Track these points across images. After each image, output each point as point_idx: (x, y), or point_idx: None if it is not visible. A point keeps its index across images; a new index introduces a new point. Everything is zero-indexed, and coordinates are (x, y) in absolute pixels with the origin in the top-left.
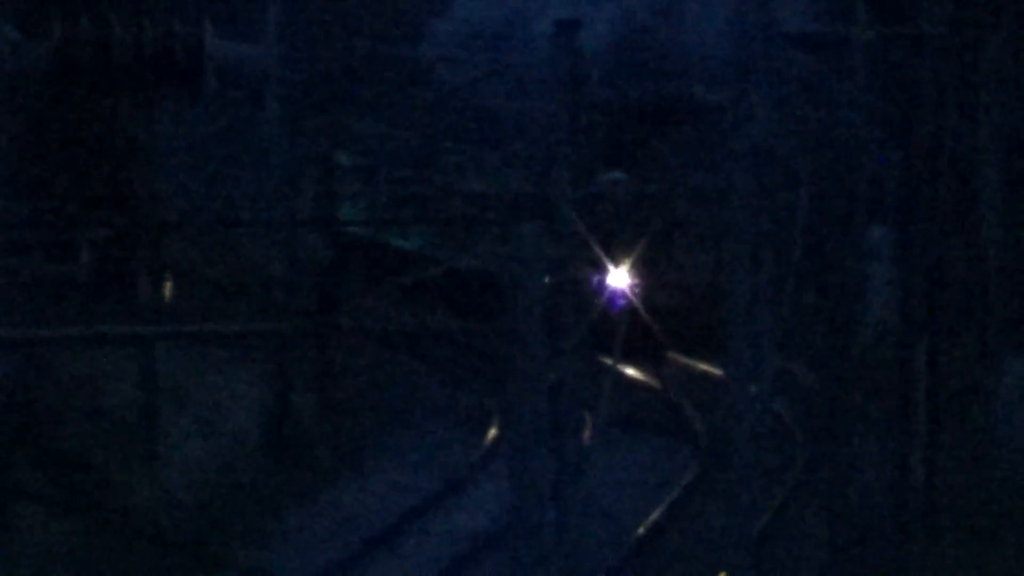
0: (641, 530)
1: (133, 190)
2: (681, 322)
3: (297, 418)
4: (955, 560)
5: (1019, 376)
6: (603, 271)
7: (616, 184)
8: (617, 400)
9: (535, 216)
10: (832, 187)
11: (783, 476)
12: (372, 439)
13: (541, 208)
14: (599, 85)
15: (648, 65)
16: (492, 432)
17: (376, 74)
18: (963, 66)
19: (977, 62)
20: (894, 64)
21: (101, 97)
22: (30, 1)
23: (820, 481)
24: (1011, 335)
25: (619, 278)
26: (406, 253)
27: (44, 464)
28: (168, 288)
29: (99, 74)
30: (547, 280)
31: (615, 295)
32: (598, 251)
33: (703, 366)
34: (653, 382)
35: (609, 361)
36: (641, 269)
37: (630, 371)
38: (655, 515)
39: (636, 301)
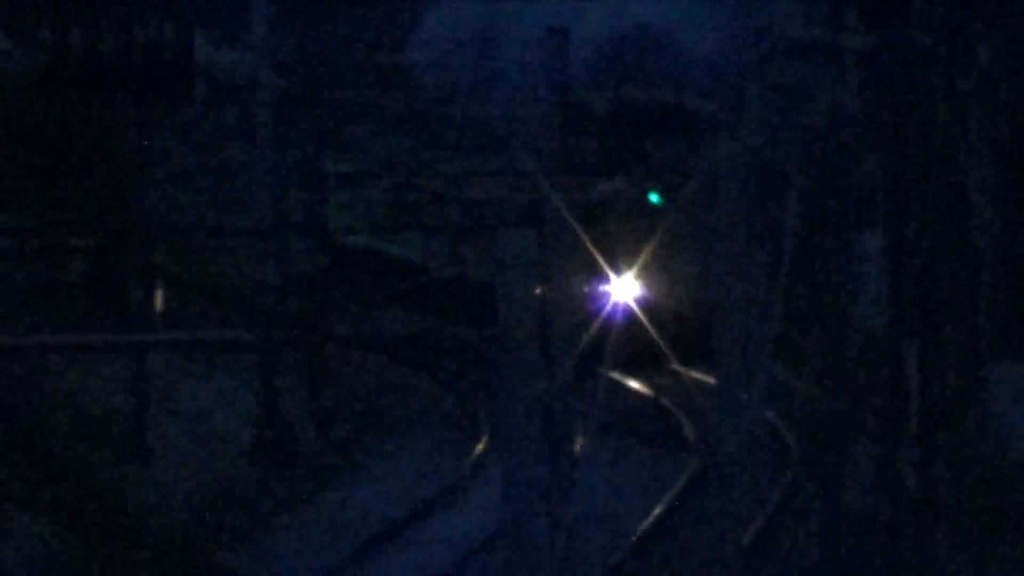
0: (633, 538)
1: (124, 197)
2: (683, 331)
3: (288, 425)
4: (948, 565)
5: (1010, 381)
6: (605, 280)
7: (617, 192)
8: (609, 408)
9: (525, 224)
10: (823, 193)
11: (775, 483)
12: (363, 446)
13: (531, 215)
14: (588, 92)
15: (639, 72)
16: (483, 440)
17: (366, 81)
18: (954, 73)
19: (969, 69)
20: (885, 71)
21: (91, 104)
22: (20, 9)
23: (812, 488)
24: (1002, 340)
25: (622, 287)
26: (398, 260)
27: (34, 471)
28: (159, 296)
29: (89, 81)
30: (538, 289)
31: (617, 305)
32: (600, 260)
33: (694, 373)
34: (645, 389)
35: (602, 369)
36: (644, 278)
37: (622, 378)
38: (647, 523)
39: (639, 311)
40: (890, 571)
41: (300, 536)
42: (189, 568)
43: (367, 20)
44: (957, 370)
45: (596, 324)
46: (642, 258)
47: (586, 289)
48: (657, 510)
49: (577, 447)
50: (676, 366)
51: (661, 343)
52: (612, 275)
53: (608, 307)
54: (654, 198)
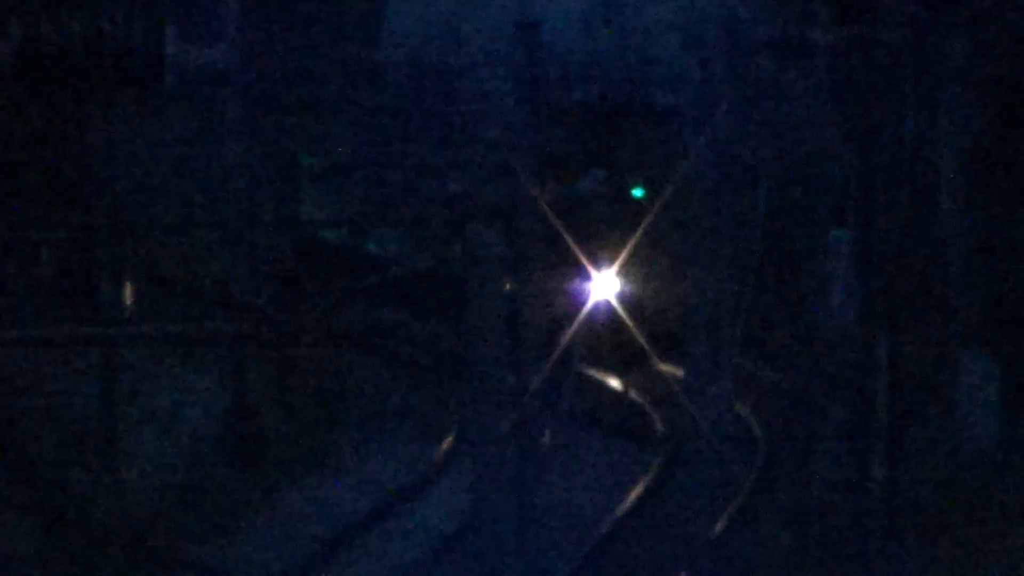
0: (602, 530)
1: (93, 191)
2: (666, 327)
3: (257, 419)
4: (916, 559)
5: (979, 375)
6: (584, 276)
7: (597, 184)
8: (578, 401)
9: (495, 218)
10: (793, 189)
11: (743, 476)
12: (332, 440)
13: (501, 210)
14: (558, 87)
15: (608, 67)
16: (452, 433)
17: (336, 75)
18: (924, 69)
19: (938, 65)
20: (855, 67)
21: (60, 98)
22: None
23: (780, 481)
24: (971, 334)
25: (603, 283)
26: (368, 254)
27: (1, 467)
28: (128, 290)
29: (58, 75)
30: (507, 284)
31: (599, 301)
32: (580, 256)
33: (664, 366)
34: (614, 383)
35: (572, 363)
36: (626, 273)
37: (591, 372)
38: (616, 515)
39: (620, 307)
40: (859, 563)
41: (269, 530)
42: (158, 563)
43: (339, 13)
44: (926, 364)
45: (574, 320)
46: (624, 254)
47: (563, 285)
48: (626, 502)
49: (546, 440)
50: (658, 363)
51: (642, 339)
52: (592, 271)
53: (586, 303)
54: (638, 192)
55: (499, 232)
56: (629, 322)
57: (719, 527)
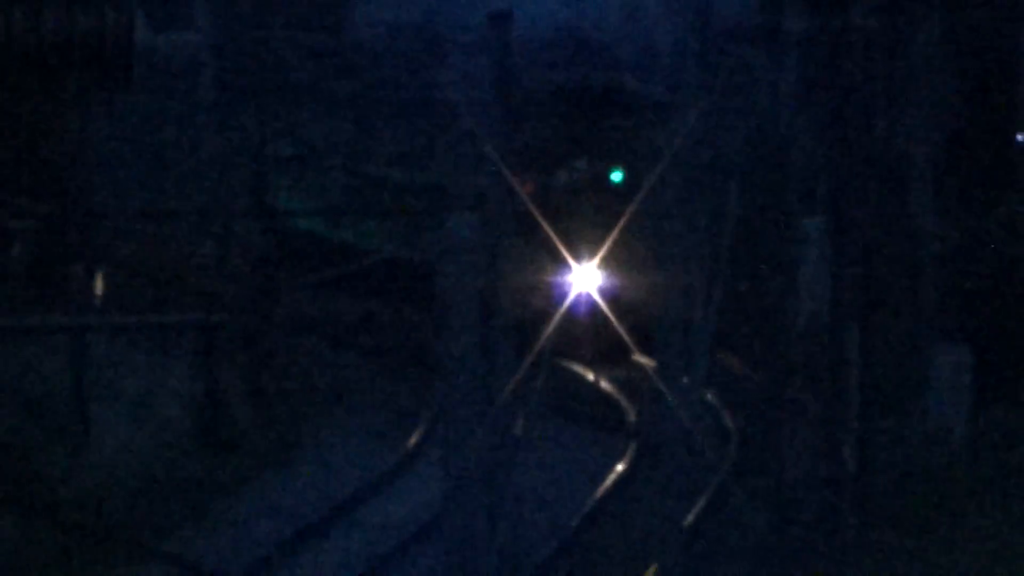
0: (574, 520)
1: (65, 180)
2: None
3: (229, 409)
4: (887, 549)
5: (950, 365)
6: (564, 268)
7: (577, 174)
8: (550, 392)
9: (468, 208)
10: (764, 178)
11: (715, 466)
12: (304, 429)
13: (474, 200)
14: (531, 75)
15: (581, 56)
16: (425, 422)
17: (307, 64)
18: (895, 57)
19: (908, 53)
20: (826, 55)
21: (31, 87)
22: None
23: (752, 471)
24: (942, 324)
25: (583, 276)
26: (340, 244)
27: None
28: (100, 279)
29: (29, 64)
30: (478, 272)
31: (580, 294)
32: (560, 247)
33: (637, 357)
34: (586, 374)
35: (544, 355)
36: (607, 265)
37: (563, 363)
38: (587, 505)
39: (600, 300)
40: (830, 552)
41: (240, 520)
42: (130, 552)
43: (310, 2)
44: (897, 353)
45: (552, 312)
46: (604, 246)
47: (541, 276)
48: (598, 492)
49: (517, 430)
50: (637, 355)
51: (622, 332)
52: (573, 263)
53: (566, 295)
54: (616, 177)
55: (474, 222)
56: (607, 313)
57: (691, 517)
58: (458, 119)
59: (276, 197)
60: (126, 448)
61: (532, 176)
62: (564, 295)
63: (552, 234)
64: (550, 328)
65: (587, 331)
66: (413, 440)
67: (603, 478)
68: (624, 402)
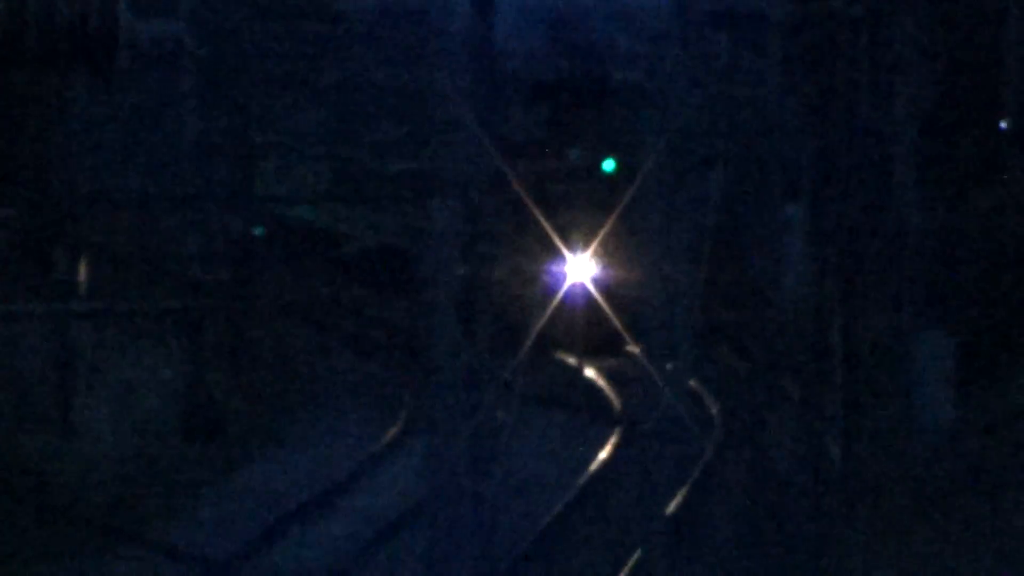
0: (557, 507)
1: (47, 167)
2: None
3: (212, 395)
4: (871, 537)
5: (934, 353)
6: (557, 257)
7: (569, 164)
8: (533, 379)
9: (451, 196)
10: (747, 165)
11: (699, 454)
12: (287, 416)
13: (457, 188)
14: (513, 64)
15: (564, 44)
16: (407, 409)
17: (290, 51)
18: (877, 44)
19: (892, 41)
20: (809, 42)
21: (14, 74)
22: None
23: (736, 459)
24: (926, 312)
25: (577, 266)
26: (322, 230)
27: None
28: (82, 266)
29: (12, 51)
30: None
31: (574, 285)
32: (552, 236)
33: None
34: (570, 361)
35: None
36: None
37: (547, 351)
38: (571, 492)
39: (595, 290)
40: (813, 541)
41: (224, 507)
42: (114, 540)
43: None
44: (880, 340)
45: (541, 301)
46: (598, 237)
47: (530, 265)
48: (581, 480)
49: (500, 418)
50: (631, 346)
51: (616, 322)
52: (567, 253)
53: (555, 284)
54: (608, 166)
55: (457, 210)
56: (599, 302)
57: (675, 505)
58: (442, 106)
59: (260, 183)
60: (109, 435)
61: (518, 164)
62: (553, 284)
63: (543, 222)
64: (537, 318)
65: (576, 321)
66: (397, 427)
67: (587, 466)
68: (608, 390)
